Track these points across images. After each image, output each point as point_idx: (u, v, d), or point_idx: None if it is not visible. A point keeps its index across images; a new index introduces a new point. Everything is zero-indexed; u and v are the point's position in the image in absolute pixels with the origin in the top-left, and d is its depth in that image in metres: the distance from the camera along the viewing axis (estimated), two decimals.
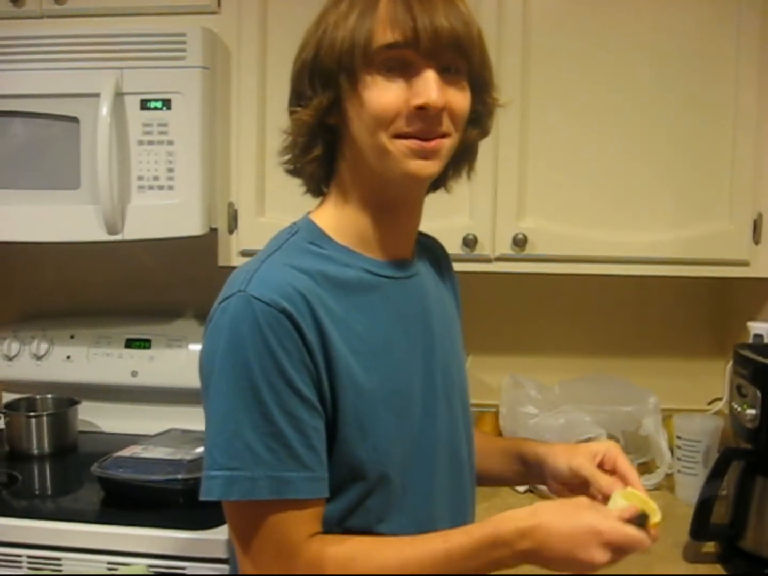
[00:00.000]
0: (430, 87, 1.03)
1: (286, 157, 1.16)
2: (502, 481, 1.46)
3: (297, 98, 1.12)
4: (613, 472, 1.20)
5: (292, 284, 1.03)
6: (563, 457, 1.26)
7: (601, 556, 1.00)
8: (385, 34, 1.03)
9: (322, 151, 1.13)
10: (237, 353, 1.01)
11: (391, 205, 1.14)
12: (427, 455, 1.17)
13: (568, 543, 1.01)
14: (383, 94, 1.04)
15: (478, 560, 1.03)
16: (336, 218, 1.15)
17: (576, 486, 1.22)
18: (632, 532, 1.02)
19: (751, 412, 1.48)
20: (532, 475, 1.35)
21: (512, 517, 1.04)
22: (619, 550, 1.01)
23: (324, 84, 1.08)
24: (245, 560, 1.04)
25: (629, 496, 1.11)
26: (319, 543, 1.03)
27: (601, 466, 1.22)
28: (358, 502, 1.09)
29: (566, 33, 1.86)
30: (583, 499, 1.09)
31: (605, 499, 1.13)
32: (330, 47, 1.06)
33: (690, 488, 1.77)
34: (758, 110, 1.85)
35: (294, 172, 1.18)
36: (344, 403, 1.05)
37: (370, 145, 1.07)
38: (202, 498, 1.03)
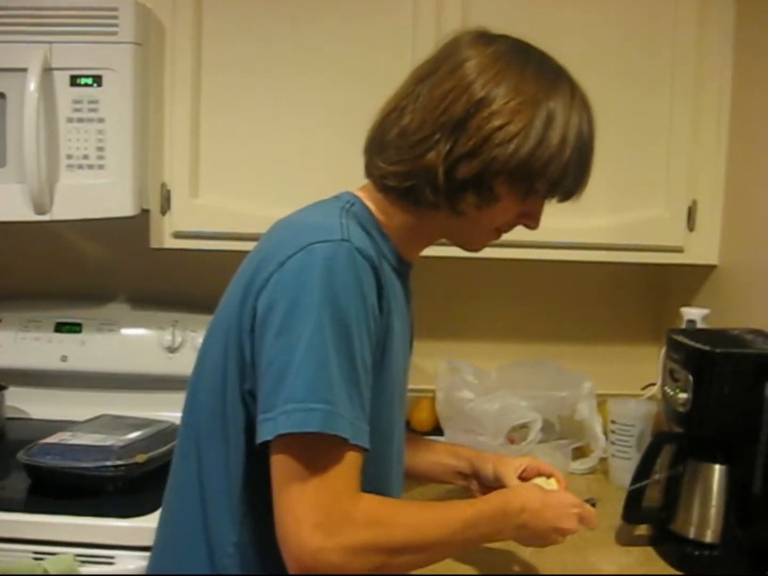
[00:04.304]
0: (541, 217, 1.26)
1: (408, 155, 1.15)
2: (425, 473, 1.55)
3: (477, 150, 1.12)
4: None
5: (373, 249, 1.10)
6: (490, 463, 1.46)
7: (573, 524, 1.26)
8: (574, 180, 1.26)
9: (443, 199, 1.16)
10: (336, 296, 1.02)
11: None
12: (398, 438, 1.27)
13: (555, 512, 1.23)
14: (532, 209, 1.24)
15: (489, 527, 1.16)
16: (386, 214, 1.20)
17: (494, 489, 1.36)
18: (592, 509, 1.31)
19: (683, 396, 1.49)
20: (456, 471, 1.50)
21: (511, 494, 1.24)
22: (579, 522, 1.27)
23: (520, 181, 1.16)
24: (303, 496, 1.00)
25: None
26: (368, 500, 1.05)
27: (524, 476, 1.42)
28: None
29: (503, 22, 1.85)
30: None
31: None
32: (555, 168, 1.20)
33: (624, 472, 1.78)
34: (694, 98, 1.87)
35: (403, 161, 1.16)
36: (386, 375, 1.12)
37: (483, 226, 1.21)
38: (293, 430, 0.98)
